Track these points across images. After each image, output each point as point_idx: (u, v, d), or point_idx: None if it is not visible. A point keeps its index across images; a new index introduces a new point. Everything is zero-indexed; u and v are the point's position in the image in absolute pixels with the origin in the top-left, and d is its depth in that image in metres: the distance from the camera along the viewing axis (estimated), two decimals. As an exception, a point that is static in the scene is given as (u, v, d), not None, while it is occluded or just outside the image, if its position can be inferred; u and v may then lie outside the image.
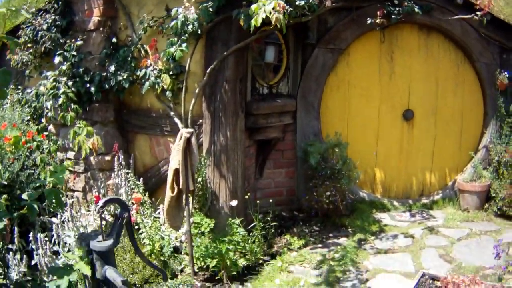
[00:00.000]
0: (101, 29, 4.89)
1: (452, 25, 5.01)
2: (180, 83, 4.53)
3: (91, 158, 4.86)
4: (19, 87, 5.76)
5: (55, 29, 5.14)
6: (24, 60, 5.36)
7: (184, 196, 4.04)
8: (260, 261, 4.20)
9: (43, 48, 5.15)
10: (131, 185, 4.51)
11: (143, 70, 4.53)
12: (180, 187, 3.98)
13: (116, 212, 3.22)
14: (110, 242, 2.98)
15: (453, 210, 5.01)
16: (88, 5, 5.01)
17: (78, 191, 4.97)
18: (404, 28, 5.10)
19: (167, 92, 4.52)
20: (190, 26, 4.23)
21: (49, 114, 4.87)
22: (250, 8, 3.77)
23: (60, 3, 5.19)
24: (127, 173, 4.48)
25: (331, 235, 4.63)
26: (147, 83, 4.47)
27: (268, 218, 4.26)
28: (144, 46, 4.70)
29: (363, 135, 5.13)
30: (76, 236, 3.13)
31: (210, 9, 4.24)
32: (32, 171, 4.62)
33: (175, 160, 4.00)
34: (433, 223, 4.78)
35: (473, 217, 4.87)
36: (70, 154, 4.98)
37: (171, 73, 4.50)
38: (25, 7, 5.48)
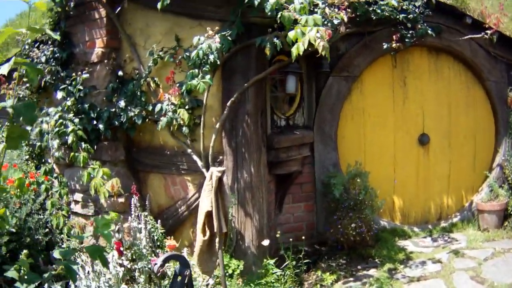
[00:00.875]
0: (105, 61, 4.63)
1: (462, 46, 5.04)
2: (197, 118, 4.32)
3: (102, 200, 4.56)
4: (14, 124, 5.37)
5: (54, 61, 4.85)
6: (21, 96, 5.03)
7: (217, 240, 3.84)
8: (291, 301, 4.04)
9: (42, 82, 4.83)
10: (150, 229, 4.27)
11: (159, 105, 4.29)
12: (215, 230, 3.78)
13: (160, 269, 3.02)
14: None
15: (473, 231, 5.02)
16: (90, 35, 4.74)
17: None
18: (414, 51, 5.09)
19: (184, 128, 4.30)
20: (211, 56, 4.03)
21: (56, 154, 4.53)
22: (288, 35, 3.58)
23: (58, 33, 4.88)
24: (146, 216, 4.22)
25: (359, 267, 4.52)
26: (164, 119, 4.23)
27: (300, 256, 4.11)
28: (155, 79, 4.47)
29: (380, 163, 5.06)
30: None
31: (229, 38, 4.08)
32: (42, 217, 4.30)
33: (207, 202, 3.78)
34: (457, 246, 4.76)
35: (494, 236, 4.88)
36: (78, 196, 4.65)
37: (186, 107, 4.29)
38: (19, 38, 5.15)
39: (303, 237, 4.36)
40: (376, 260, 4.60)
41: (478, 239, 4.83)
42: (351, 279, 4.33)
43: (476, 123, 5.25)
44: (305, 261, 4.17)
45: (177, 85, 4.30)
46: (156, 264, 2.81)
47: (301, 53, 3.57)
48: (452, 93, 5.17)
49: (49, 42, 4.98)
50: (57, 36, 1.73)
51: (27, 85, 5.08)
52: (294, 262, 4.09)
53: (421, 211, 5.23)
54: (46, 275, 2.52)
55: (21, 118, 1.69)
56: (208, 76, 4.03)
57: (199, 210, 3.88)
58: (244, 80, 4.21)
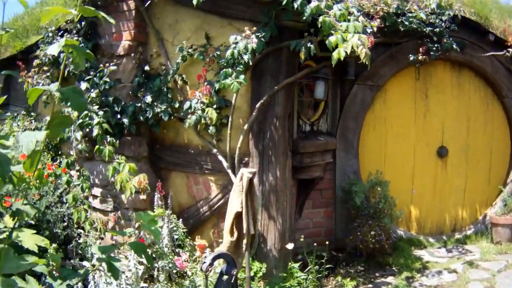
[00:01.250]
0: (132, 55, 4.57)
1: (484, 62, 5.11)
2: (224, 118, 4.29)
3: (122, 196, 4.49)
4: (32, 114, 5.26)
5: (79, 52, 4.74)
6: (40, 85, 4.90)
7: (244, 241, 3.81)
8: (314, 305, 4.05)
9: (66, 72, 4.73)
10: (173, 227, 4.22)
11: (188, 103, 4.25)
12: (244, 231, 3.75)
13: (209, 268, 2.97)
14: None
15: (487, 244, 5.11)
16: (117, 28, 4.67)
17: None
18: (438, 65, 5.14)
19: (211, 128, 4.27)
20: (246, 56, 4.01)
21: (79, 146, 4.44)
22: (329, 40, 3.61)
23: (83, 23, 4.80)
24: (170, 214, 4.17)
25: (377, 274, 4.56)
26: (193, 117, 4.18)
27: (322, 261, 4.11)
28: (183, 76, 4.42)
29: (399, 173, 5.09)
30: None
31: (262, 39, 4.06)
32: (61, 210, 4.21)
33: (237, 203, 3.76)
34: (471, 258, 4.84)
35: (507, 249, 4.98)
36: (97, 191, 4.57)
37: (214, 106, 4.25)
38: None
39: (321, 243, 4.36)
40: (394, 268, 4.65)
41: (491, 252, 4.92)
42: (370, 285, 4.38)
43: (492, 139, 5.33)
44: (326, 266, 4.19)
45: (207, 83, 4.27)
46: (205, 262, 2.77)
47: (342, 58, 3.62)
48: (471, 108, 5.24)
49: (74, 32, 4.89)
50: (112, 20, 1.63)
51: (48, 74, 4.98)
52: (316, 267, 4.10)
53: (436, 222, 5.28)
54: (81, 271, 2.45)
55: (68, 103, 1.55)
56: (242, 76, 4.00)
57: (228, 211, 3.85)
58: (274, 82, 4.20)
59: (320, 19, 3.75)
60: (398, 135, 5.09)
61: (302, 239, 4.24)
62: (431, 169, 5.21)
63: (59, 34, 5.00)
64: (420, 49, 4.78)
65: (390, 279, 4.47)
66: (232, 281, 2.75)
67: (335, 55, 3.59)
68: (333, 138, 4.77)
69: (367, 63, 3.66)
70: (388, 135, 5.07)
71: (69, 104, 1.46)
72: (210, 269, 2.96)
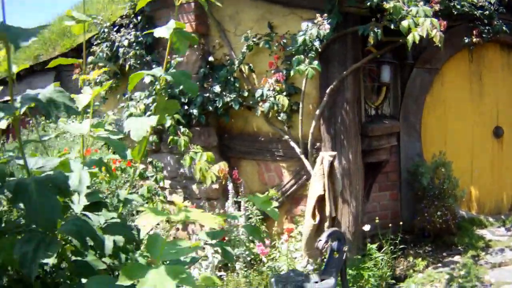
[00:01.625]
0: (195, 46, 4.58)
1: (532, 44, 5.21)
2: (294, 105, 4.33)
3: (193, 186, 4.51)
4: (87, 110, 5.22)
5: (138, 45, 4.76)
6: (98, 80, 4.89)
7: (326, 224, 3.85)
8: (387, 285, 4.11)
9: (127, 66, 4.74)
10: (249, 215, 4.25)
11: (259, 91, 4.28)
12: (327, 214, 3.80)
13: (331, 245, 3.00)
14: (332, 281, 2.80)
15: (544, 222, 5.21)
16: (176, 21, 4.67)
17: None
18: (489, 47, 5.22)
19: (282, 115, 4.31)
20: (316, 43, 4.05)
21: (150, 138, 4.44)
22: (402, 24, 3.71)
23: (140, 18, 4.82)
24: (246, 201, 4.20)
25: (444, 254, 4.64)
26: (266, 105, 4.23)
27: (396, 241, 4.18)
28: (250, 65, 4.45)
29: (459, 154, 5.15)
30: (273, 279, 2.85)
31: (329, 26, 4.10)
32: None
33: (318, 186, 3.80)
34: (529, 236, 4.94)
35: None
36: (166, 183, 4.57)
37: (284, 94, 4.29)
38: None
39: (387, 225, 4.41)
40: (459, 247, 4.72)
41: (549, 229, 5.02)
42: (439, 265, 4.48)
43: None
44: (400, 247, 4.26)
45: (274, 71, 4.31)
46: (320, 240, 2.81)
47: (417, 42, 3.71)
48: (523, 88, 5.34)
49: (131, 26, 4.90)
50: (219, 3, 1.55)
51: (103, 69, 4.97)
52: (391, 247, 4.16)
53: (494, 201, 5.36)
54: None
55: (181, 87, 1.50)
56: (315, 62, 4.03)
57: (309, 195, 3.89)
58: (342, 68, 4.26)
59: (391, 4, 3.83)
60: (456, 116, 5.16)
61: (368, 222, 4.29)
62: (488, 149, 5.29)
63: (114, 29, 5.00)
64: (474, 31, 4.85)
65: (457, 258, 4.57)
66: (344, 258, 2.79)
67: (410, 38, 3.72)
68: (396, 121, 4.83)
69: (440, 45, 3.74)
70: (447, 117, 5.14)
71: (181, 87, 1.42)
72: (325, 246, 2.99)
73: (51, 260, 1.04)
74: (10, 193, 1.03)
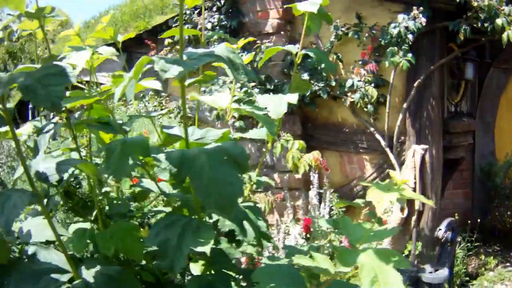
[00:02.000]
0: (281, 33, 4.61)
1: None
2: (380, 97, 4.35)
3: (275, 175, 4.54)
4: (162, 94, 5.24)
5: (221, 29, 4.75)
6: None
7: (413, 218, 3.90)
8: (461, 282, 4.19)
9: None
10: (331, 206, 4.28)
11: (350, 81, 4.31)
12: (416, 207, 3.85)
13: (444, 235, 3.06)
14: (446, 272, 2.84)
15: None
16: (262, 6, 4.70)
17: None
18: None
19: (369, 106, 4.33)
20: (410, 36, 4.07)
21: (237, 124, 4.47)
22: (496, 22, 3.78)
23: (223, 1, 4.81)
24: (331, 193, 4.23)
25: (512, 254, 4.73)
26: (357, 95, 4.25)
27: (472, 239, 4.25)
28: (338, 54, 4.47)
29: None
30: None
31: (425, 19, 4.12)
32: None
33: (409, 179, 3.85)
34: None
35: None
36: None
37: (372, 85, 4.32)
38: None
39: (468, 222, 4.47)
40: (527, 248, 4.81)
41: None
42: (508, 264, 4.55)
43: None
44: (475, 244, 4.34)
45: (362, 62, 4.34)
46: (440, 229, 2.89)
47: (511, 40, 3.76)
48: None
49: (214, 9, 4.89)
50: None
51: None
52: (468, 245, 4.25)
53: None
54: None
55: (323, 65, 1.41)
56: (409, 55, 4.06)
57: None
58: (429, 63, 4.29)
59: (485, 1, 3.87)
60: (529, 117, 5.21)
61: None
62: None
63: (196, 12, 4.99)
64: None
65: (524, 259, 4.67)
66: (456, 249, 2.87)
67: (504, 36, 3.76)
68: (473, 119, 4.87)
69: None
70: (520, 118, 5.19)
71: (323, 65, 1.34)
72: (444, 235, 3.04)
73: (207, 249, 0.86)
74: (174, 167, 0.89)
